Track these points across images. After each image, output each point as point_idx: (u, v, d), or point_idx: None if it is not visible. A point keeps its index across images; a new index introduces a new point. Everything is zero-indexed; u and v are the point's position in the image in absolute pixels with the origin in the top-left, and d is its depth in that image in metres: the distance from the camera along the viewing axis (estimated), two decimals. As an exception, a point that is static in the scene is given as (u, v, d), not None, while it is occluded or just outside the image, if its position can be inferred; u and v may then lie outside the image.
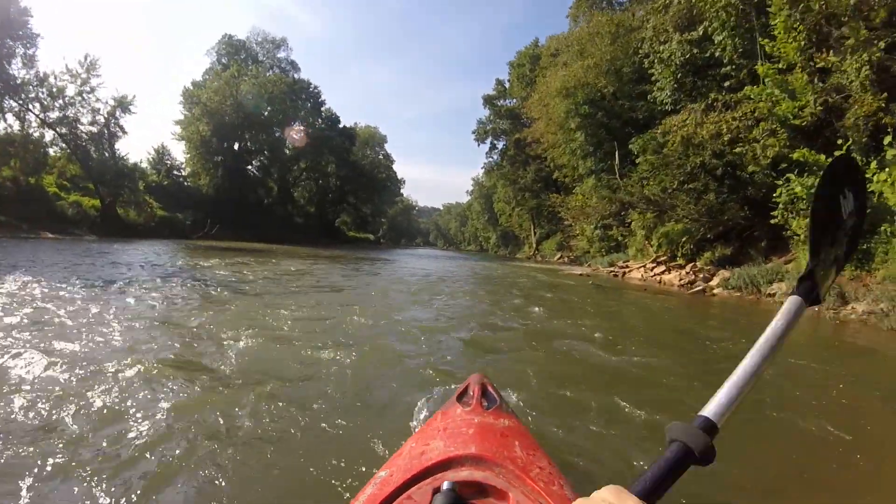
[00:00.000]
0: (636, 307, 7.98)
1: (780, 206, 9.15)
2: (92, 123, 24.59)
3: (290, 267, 11.53)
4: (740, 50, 12.49)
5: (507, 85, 41.11)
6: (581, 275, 14.82)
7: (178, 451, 1.86)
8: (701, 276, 11.52)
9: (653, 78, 16.65)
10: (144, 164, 34.39)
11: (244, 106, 32.56)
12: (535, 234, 41.11)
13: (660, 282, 12.61)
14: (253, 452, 1.92)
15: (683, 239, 12.95)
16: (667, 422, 0.51)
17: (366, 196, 60.93)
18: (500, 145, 42.99)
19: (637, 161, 17.07)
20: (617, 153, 19.54)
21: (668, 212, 12.57)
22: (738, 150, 10.42)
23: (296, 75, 42.37)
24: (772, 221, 9.43)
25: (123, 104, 25.11)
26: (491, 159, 46.70)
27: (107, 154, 25.27)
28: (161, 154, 34.96)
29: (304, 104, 42.85)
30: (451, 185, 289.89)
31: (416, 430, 1.67)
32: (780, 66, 9.63)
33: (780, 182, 9.15)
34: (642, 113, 20.01)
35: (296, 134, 41.78)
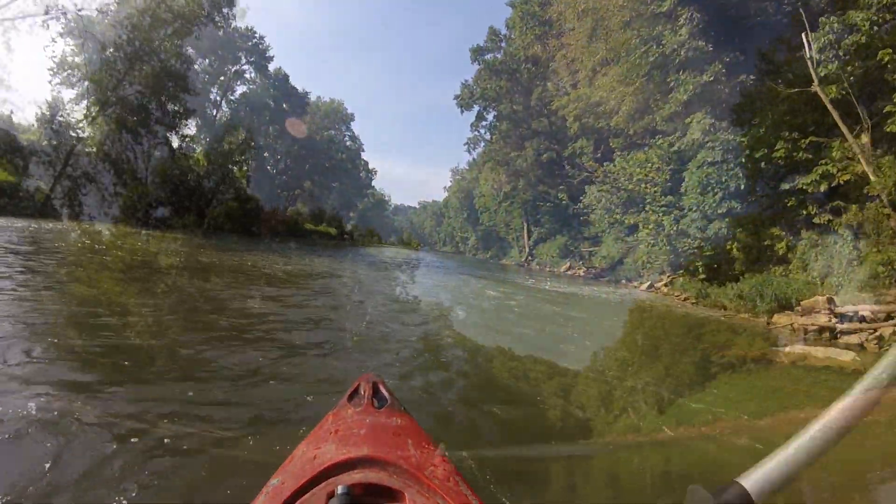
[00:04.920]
0: None
1: None
2: None
3: None
4: None
5: (504, 33, 32.27)
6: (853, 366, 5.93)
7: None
8: None
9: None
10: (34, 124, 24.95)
11: (133, 26, 22.77)
12: (528, 235, 33.28)
13: None
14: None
15: None
16: None
17: (324, 181, 51.72)
18: (490, 117, 34.63)
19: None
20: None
21: None
22: None
23: (234, 23, 32.77)
24: None
25: None
26: (477, 133, 38.23)
27: None
28: (54, 108, 25.30)
29: (246, 55, 33.41)
30: (431, 185, 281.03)
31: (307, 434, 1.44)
32: None
33: None
34: None
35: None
